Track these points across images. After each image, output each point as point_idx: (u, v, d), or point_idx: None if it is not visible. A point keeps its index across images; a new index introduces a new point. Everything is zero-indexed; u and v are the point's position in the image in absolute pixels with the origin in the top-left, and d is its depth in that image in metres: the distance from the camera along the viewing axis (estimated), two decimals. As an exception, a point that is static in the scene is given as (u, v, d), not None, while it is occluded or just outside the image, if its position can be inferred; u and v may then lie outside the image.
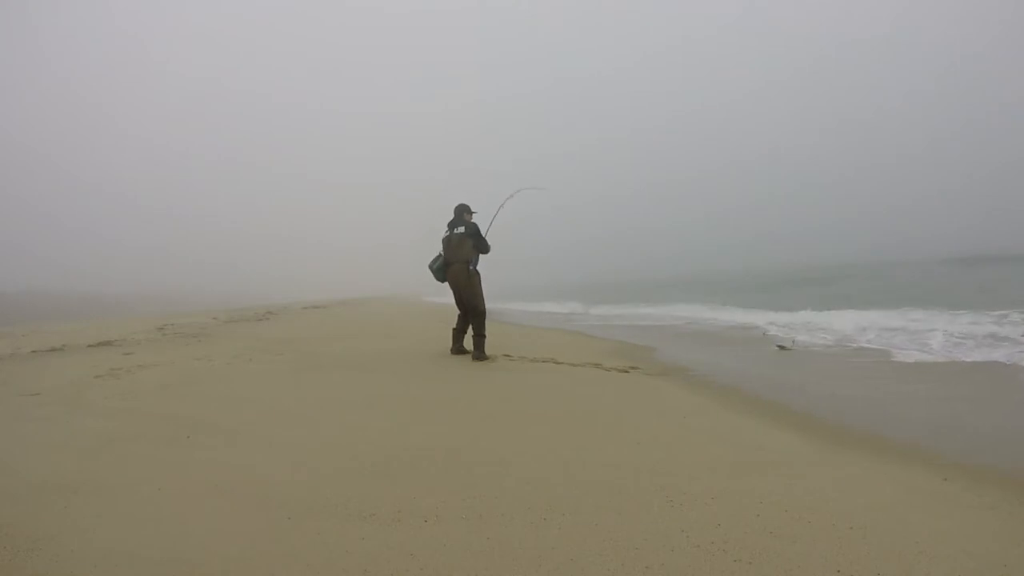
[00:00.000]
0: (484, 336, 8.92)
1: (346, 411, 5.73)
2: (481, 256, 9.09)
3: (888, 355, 9.52)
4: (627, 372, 8.20)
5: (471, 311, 9.01)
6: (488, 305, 9.34)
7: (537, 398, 6.55)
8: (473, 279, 8.90)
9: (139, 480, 3.74)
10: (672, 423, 5.42)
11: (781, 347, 10.44)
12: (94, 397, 6.05)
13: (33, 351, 10.03)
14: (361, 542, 2.92)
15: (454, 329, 9.42)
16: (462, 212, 9.05)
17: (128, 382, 6.90)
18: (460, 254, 8.85)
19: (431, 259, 9.14)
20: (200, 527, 3.08)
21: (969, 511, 3.33)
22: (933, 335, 10.97)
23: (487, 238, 9.12)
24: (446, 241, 9.03)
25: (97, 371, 7.58)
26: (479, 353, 8.81)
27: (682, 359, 9.89)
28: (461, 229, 8.90)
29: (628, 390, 7.06)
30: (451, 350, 9.39)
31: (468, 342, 9.28)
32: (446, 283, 9.12)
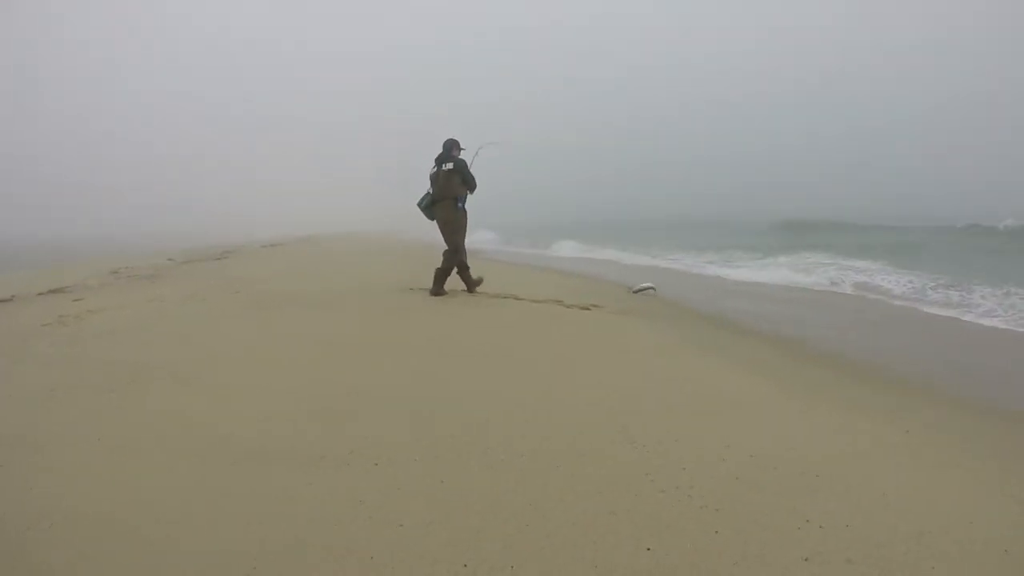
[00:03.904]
0: (449, 275, 8.83)
1: (299, 351, 5.51)
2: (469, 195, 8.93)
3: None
4: (588, 310, 8.10)
5: (449, 247, 8.80)
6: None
7: (496, 336, 6.41)
8: (459, 216, 8.74)
9: (78, 431, 3.49)
10: (634, 362, 5.34)
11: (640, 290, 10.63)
12: (40, 347, 5.74)
13: (-20, 304, 9.60)
14: (308, 488, 2.76)
15: (437, 269, 9.01)
16: (451, 147, 8.76)
17: (75, 329, 6.59)
18: (448, 191, 8.63)
19: (419, 198, 8.92)
20: (138, 479, 2.87)
21: (933, 466, 3.29)
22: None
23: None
24: (433, 177, 8.77)
25: (45, 319, 7.22)
26: (438, 287, 8.77)
27: (645, 297, 9.97)
28: (449, 165, 8.64)
29: (590, 328, 6.97)
30: (431, 291, 8.97)
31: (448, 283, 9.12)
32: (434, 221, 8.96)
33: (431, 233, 9.55)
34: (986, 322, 8.43)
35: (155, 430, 3.49)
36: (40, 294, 9.65)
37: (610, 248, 23.76)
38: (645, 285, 10.71)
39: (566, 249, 24.75)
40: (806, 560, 2.26)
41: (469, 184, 8.76)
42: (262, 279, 11.26)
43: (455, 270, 9.00)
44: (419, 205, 8.93)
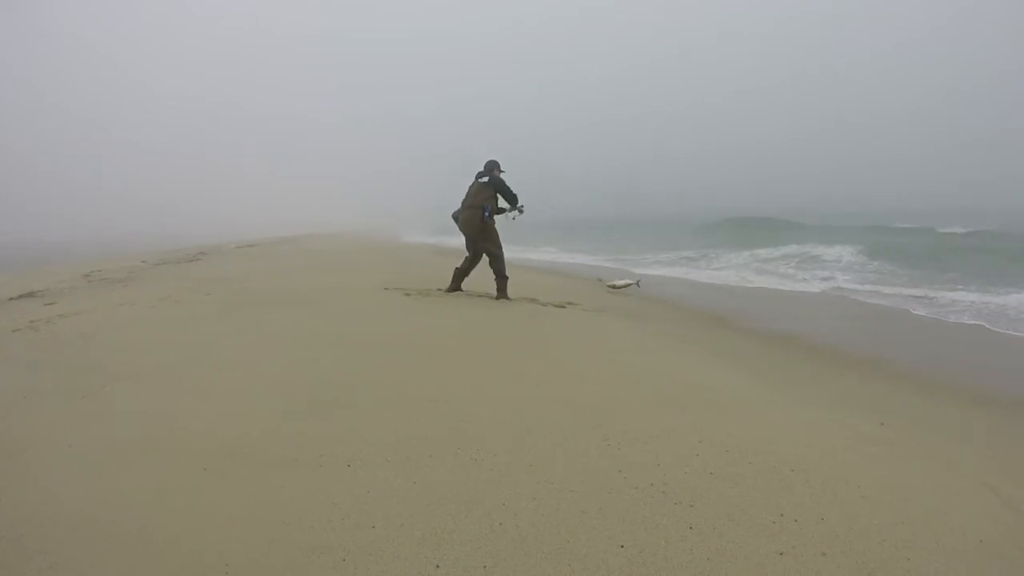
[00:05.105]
0: (505, 277, 9.02)
1: (274, 351, 5.43)
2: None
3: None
4: (563, 307, 8.23)
5: (490, 256, 9.09)
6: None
7: (473, 335, 6.39)
8: (486, 225, 9.02)
9: (50, 437, 3.39)
10: (611, 359, 5.33)
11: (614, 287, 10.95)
12: (11, 352, 5.62)
13: (-49, 311, 9.40)
14: (280, 491, 2.71)
15: (456, 268, 9.47)
16: (492, 168, 9.20)
17: (47, 333, 6.47)
18: (476, 200, 9.01)
19: (456, 210, 9.32)
20: (110, 484, 2.79)
21: (910, 458, 3.32)
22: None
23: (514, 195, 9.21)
24: (468, 189, 9.21)
25: (16, 325, 7.09)
26: (502, 294, 8.95)
27: (620, 295, 10.01)
28: (484, 179, 9.10)
29: (566, 325, 6.99)
30: (447, 288, 9.41)
31: (465, 284, 9.41)
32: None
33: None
34: (955, 319, 8.72)
35: (128, 434, 3.41)
36: (12, 299, 9.50)
37: (581, 251, 24.10)
38: (626, 281, 10.80)
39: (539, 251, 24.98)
40: (781, 554, 2.25)
41: (506, 197, 9.10)
42: (236, 279, 11.17)
43: (461, 272, 9.41)
44: (453, 216, 9.37)
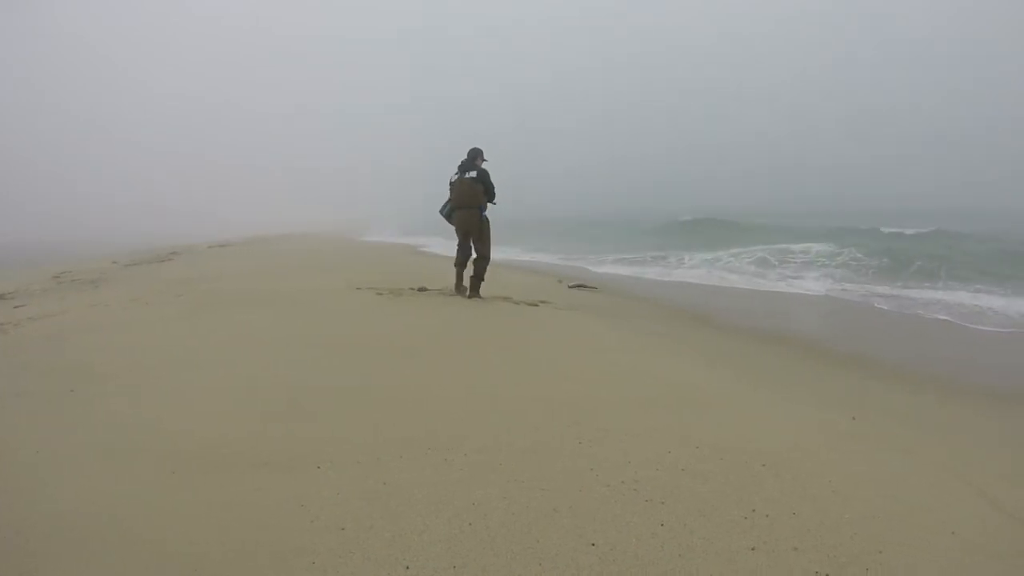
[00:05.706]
0: (483, 280, 8.92)
1: (247, 352, 5.32)
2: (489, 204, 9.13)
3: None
4: (536, 306, 8.23)
5: (479, 256, 8.97)
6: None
7: (450, 334, 6.33)
8: (484, 226, 8.90)
9: (16, 442, 3.29)
10: (591, 357, 5.33)
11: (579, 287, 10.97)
12: (-22, 356, 5.53)
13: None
14: (252, 493, 2.65)
15: (456, 265, 9.25)
16: (475, 157, 8.96)
17: (15, 336, 6.34)
18: (471, 200, 8.82)
19: (441, 205, 9.14)
20: (77, 490, 2.71)
21: (884, 454, 3.32)
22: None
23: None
24: (455, 184, 8.95)
25: (-16, 328, 7.00)
26: (475, 293, 8.83)
27: (590, 293, 10.04)
28: (472, 174, 8.83)
29: (544, 324, 6.97)
30: (455, 288, 9.19)
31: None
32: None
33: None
34: (924, 313, 8.89)
35: (99, 437, 3.33)
36: (-21, 302, 9.34)
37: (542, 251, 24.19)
38: (584, 284, 10.85)
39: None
40: (752, 550, 2.25)
41: (490, 194, 8.95)
42: (209, 280, 11.03)
43: (460, 265, 9.26)
44: (441, 212, 9.18)
